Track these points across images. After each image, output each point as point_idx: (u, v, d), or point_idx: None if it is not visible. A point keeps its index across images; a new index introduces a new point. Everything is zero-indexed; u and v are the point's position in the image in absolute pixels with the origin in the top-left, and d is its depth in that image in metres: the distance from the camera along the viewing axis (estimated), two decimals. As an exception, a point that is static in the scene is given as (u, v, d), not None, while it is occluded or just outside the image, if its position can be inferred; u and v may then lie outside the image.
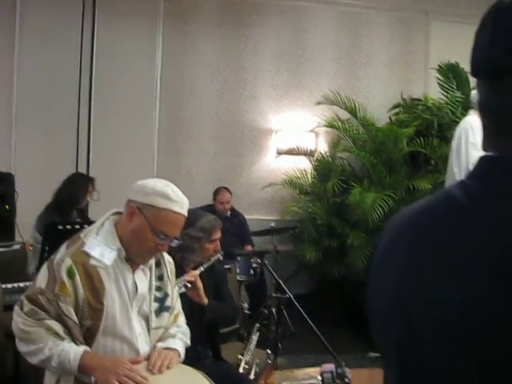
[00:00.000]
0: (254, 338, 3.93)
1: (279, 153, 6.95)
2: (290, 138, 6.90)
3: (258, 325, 4.12)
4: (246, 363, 3.62)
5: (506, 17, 0.85)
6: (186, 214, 2.32)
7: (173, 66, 6.79)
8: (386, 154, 6.22)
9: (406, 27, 7.37)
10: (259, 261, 5.76)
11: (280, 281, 3.97)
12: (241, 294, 5.51)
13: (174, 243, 2.32)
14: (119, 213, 2.32)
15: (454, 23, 7.33)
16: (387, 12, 7.28)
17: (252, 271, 5.49)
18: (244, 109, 6.93)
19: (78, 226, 3.64)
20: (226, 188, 6.37)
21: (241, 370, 3.48)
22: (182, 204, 2.25)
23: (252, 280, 5.49)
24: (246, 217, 6.52)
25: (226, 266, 4.42)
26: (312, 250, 6.20)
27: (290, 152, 6.89)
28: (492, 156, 0.89)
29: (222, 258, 3.65)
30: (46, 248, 3.66)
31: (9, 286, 3.75)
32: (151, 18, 6.70)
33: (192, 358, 3.13)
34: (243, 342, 4.24)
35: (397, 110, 6.74)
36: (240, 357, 3.70)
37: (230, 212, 6.38)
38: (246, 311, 5.36)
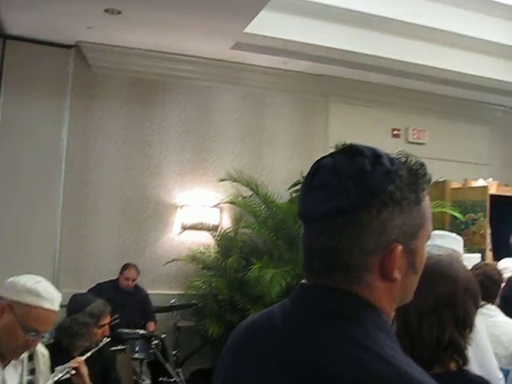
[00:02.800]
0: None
1: (184, 228, 7.05)
2: (195, 213, 7.03)
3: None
4: None
5: (321, 174, 1.04)
6: (58, 309, 2.38)
7: (79, 141, 6.83)
8: (285, 231, 6.44)
9: (306, 108, 7.78)
10: (163, 336, 5.82)
11: (165, 363, 4.00)
12: (142, 371, 5.49)
13: (45, 338, 2.37)
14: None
15: (352, 105, 7.81)
16: (289, 93, 7.68)
17: (151, 349, 5.49)
18: (149, 184, 7.03)
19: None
20: (134, 265, 6.38)
21: None
22: (52, 300, 2.32)
23: (152, 357, 5.47)
24: (150, 291, 6.54)
25: (120, 347, 4.42)
26: (214, 325, 6.25)
27: (195, 227, 7.01)
28: (305, 284, 1.07)
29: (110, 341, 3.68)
30: None
31: None
32: (58, 93, 6.76)
33: None
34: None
35: (297, 187, 7.01)
36: None
37: (133, 288, 6.38)
38: (145, 388, 5.36)
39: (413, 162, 1.05)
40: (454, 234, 3.56)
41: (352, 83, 7.67)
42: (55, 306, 2.34)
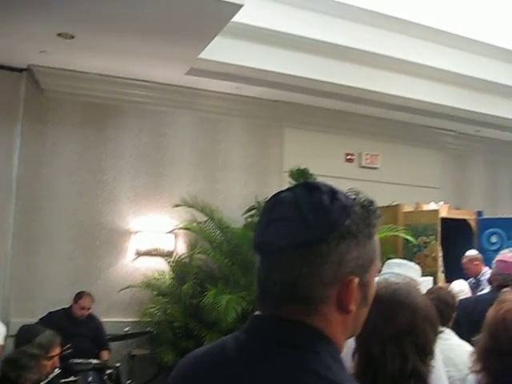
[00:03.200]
0: None
1: (138, 254, 6.95)
2: (149, 239, 6.95)
3: None
4: None
5: (280, 207, 1.06)
6: (2, 343, 2.31)
7: (31, 167, 6.69)
8: (241, 256, 6.42)
9: (261, 133, 7.82)
10: (117, 365, 5.70)
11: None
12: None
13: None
14: None
15: (306, 131, 7.89)
16: (244, 119, 7.71)
17: (106, 377, 5.39)
18: (102, 210, 6.91)
19: None
20: (88, 294, 6.22)
21: None
22: None
23: (105, 387, 5.36)
24: (104, 319, 6.40)
25: (72, 379, 4.30)
26: (170, 352, 6.16)
27: (149, 253, 6.92)
28: (259, 315, 1.08)
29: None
30: None
31: None
32: (9, 118, 6.62)
33: None
34: None
35: (252, 212, 7.00)
36: None
37: (86, 316, 6.23)
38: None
39: (363, 199, 1.09)
40: (412, 263, 3.63)
41: (306, 109, 7.76)
42: None
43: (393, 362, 1.73)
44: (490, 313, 2.14)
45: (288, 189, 1.10)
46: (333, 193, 1.05)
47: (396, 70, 6.87)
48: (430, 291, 3.79)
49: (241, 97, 7.47)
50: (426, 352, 1.83)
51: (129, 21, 5.05)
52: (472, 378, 2.35)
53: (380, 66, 6.73)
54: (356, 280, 1.04)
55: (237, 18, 5.12)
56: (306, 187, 1.07)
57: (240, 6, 4.71)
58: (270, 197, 1.11)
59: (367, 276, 1.08)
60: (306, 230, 1.01)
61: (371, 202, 1.10)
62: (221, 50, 5.89)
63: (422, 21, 5.83)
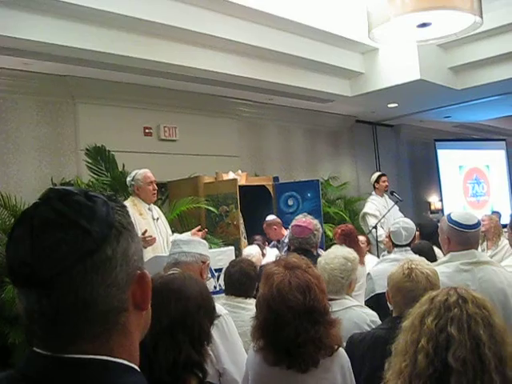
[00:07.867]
0: None
1: None
2: None
3: None
4: None
5: (43, 223, 0.92)
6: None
7: None
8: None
9: (53, 111, 7.37)
10: None
11: None
12: None
13: None
14: None
15: (101, 106, 7.62)
16: (34, 96, 7.20)
17: None
18: None
19: None
20: None
21: None
22: None
23: None
24: None
25: None
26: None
27: None
28: (44, 355, 0.93)
29: None
30: None
31: None
32: None
33: None
34: None
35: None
36: None
37: None
38: None
39: (106, 194, 1.02)
40: (198, 238, 3.61)
41: (100, 83, 7.49)
42: None
43: (166, 355, 1.74)
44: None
45: (37, 205, 0.95)
46: (84, 192, 0.97)
47: (191, 43, 6.86)
48: (231, 264, 3.89)
49: (29, 73, 6.96)
50: (201, 341, 1.85)
51: None
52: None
53: (174, 38, 6.67)
54: (146, 273, 0.99)
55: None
56: (57, 198, 0.94)
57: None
58: (19, 221, 0.95)
59: (143, 266, 1.03)
60: (85, 237, 0.90)
61: (114, 194, 1.04)
62: (5, 23, 5.42)
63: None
